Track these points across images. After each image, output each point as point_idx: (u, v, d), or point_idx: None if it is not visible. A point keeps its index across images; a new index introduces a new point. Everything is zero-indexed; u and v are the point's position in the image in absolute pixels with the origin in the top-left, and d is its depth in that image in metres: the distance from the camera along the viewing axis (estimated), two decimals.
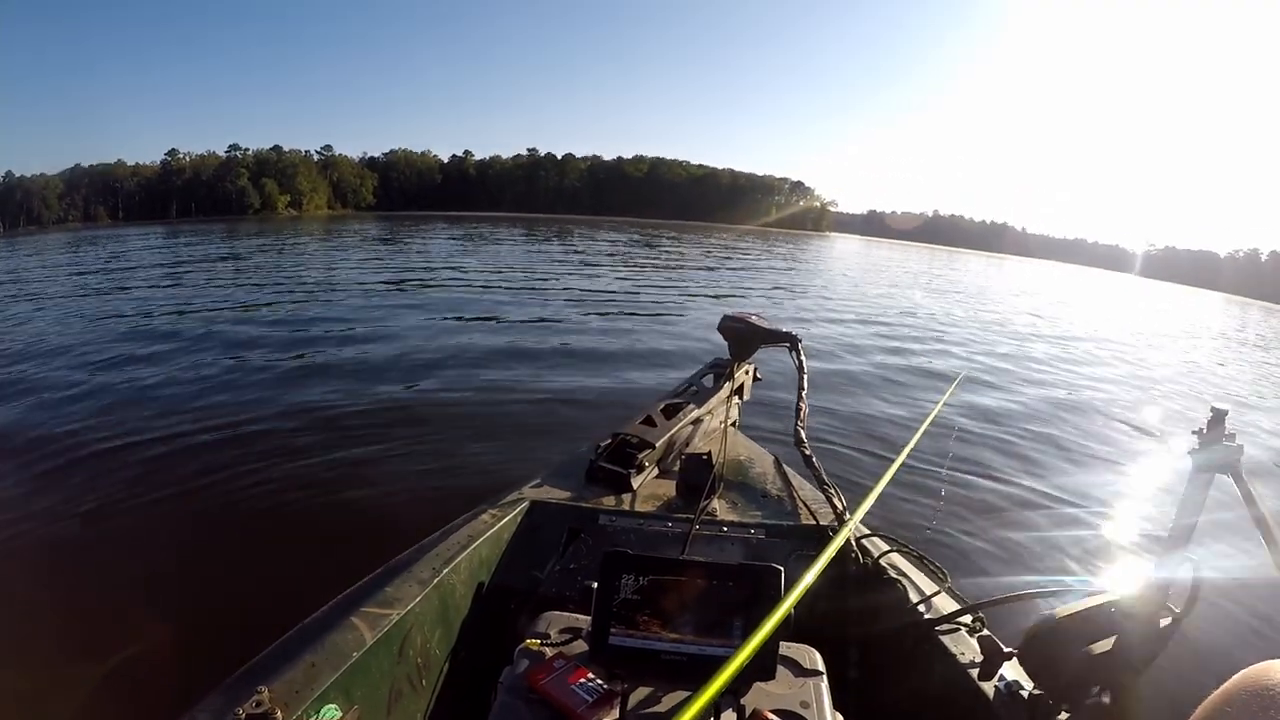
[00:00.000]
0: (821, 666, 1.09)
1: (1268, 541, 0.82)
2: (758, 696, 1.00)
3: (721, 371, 2.40)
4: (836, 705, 1.05)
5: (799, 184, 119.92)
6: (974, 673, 1.16)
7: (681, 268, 18.71)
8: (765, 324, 2.33)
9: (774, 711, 0.97)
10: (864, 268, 28.28)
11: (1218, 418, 0.90)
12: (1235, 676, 0.60)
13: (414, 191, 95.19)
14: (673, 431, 2.01)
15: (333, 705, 1.01)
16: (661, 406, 2.12)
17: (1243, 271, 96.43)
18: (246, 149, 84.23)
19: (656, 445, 1.91)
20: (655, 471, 1.94)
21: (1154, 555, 0.95)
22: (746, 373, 2.46)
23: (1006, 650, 1.11)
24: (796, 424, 2.11)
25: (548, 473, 1.89)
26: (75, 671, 2.02)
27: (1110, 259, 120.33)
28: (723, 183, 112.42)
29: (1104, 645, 0.96)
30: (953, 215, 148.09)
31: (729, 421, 2.26)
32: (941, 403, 2.14)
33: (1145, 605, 0.95)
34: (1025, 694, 1.08)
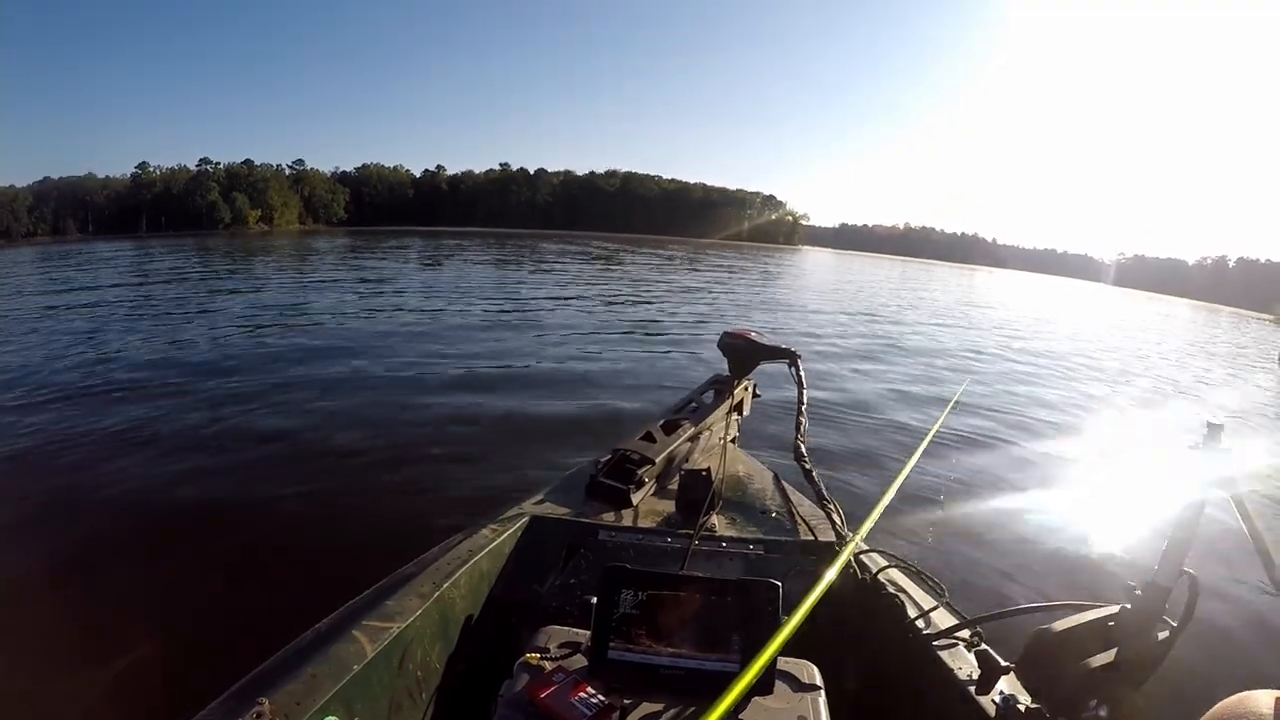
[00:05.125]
0: (820, 681, 1.10)
1: (1262, 557, 0.83)
2: (756, 712, 1.00)
3: (721, 388, 2.42)
4: None
5: (770, 198, 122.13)
6: (972, 688, 1.17)
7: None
8: (765, 340, 2.37)
9: None
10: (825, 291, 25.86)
11: (1214, 431, 0.89)
12: (1214, 709, 0.61)
13: (386, 206, 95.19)
14: (672, 447, 2.04)
15: (333, 717, 1.01)
16: (661, 423, 2.16)
17: (1211, 278, 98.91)
18: (218, 163, 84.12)
19: (656, 461, 1.94)
20: (655, 487, 1.97)
21: (1151, 568, 0.95)
22: (746, 389, 2.49)
23: (1004, 665, 1.11)
24: (796, 439, 2.14)
25: (548, 488, 1.93)
26: (82, 680, 2.14)
27: (1081, 268, 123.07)
28: (695, 197, 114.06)
29: (1102, 659, 0.95)
30: (924, 227, 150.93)
31: (728, 438, 2.29)
32: (940, 420, 2.21)
33: (1143, 618, 0.95)
34: (1023, 708, 1.07)
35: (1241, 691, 0.61)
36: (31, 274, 19.31)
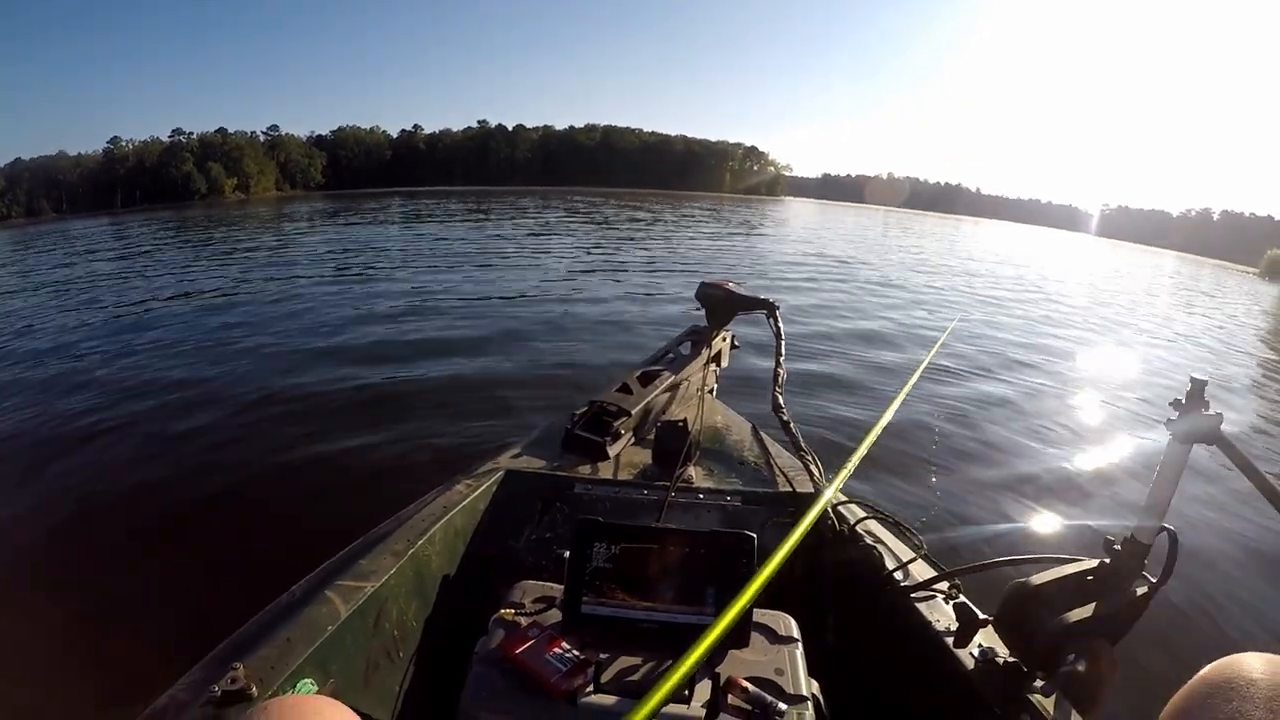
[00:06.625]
0: (797, 633, 1.10)
1: (1268, 498, 0.84)
2: (732, 664, 1.00)
3: (699, 339, 2.39)
4: (812, 672, 1.05)
5: (753, 149, 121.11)
6: (949, 640, 1.15)
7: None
8: (743, 291, 2.35)
9: (748, 679, 0.97)
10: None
11: (1196, 388, 0.88)
12: (1202, 671, 0.60)
13: (364, 169, 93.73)
14: (649, 399, 2.00)
15: (309, 680, 1.01)
16: (638, 374, 2.12)
17: (1195, 231, 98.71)
18: (191, 133, 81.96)
19: (633, 413, 1.91)
20: (632, 439, 1.94)
21: (1131, 524, 0.94)
22: (724, 340, 2.47)
23: (982, 618, 1.10)
24: (774, 390, 2.12)
25: (524, 442, 1.89)
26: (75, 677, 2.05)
27: (1065, 219, 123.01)
28: (676, 149, 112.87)
29: (1080, 613, 0.95)
30: (907, 177, 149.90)
31: (706, 389, 2.25)
32: (923, 365, 2.14)
33: (1122, 573, 0.95)
34: (1001, 661, 1.06)
35: (1230, 654, 0.60)
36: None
